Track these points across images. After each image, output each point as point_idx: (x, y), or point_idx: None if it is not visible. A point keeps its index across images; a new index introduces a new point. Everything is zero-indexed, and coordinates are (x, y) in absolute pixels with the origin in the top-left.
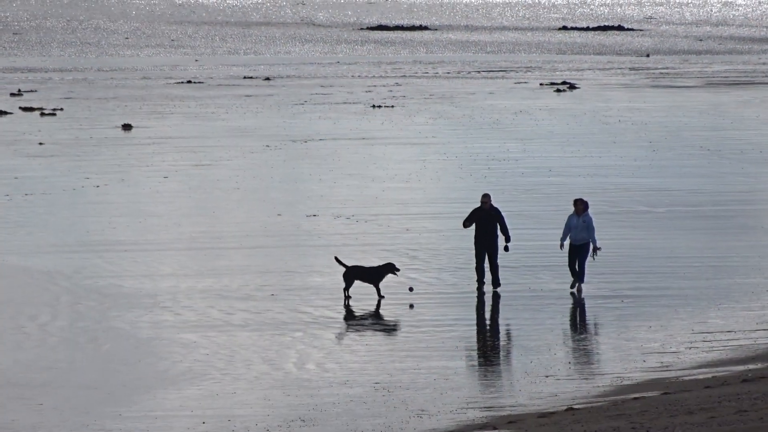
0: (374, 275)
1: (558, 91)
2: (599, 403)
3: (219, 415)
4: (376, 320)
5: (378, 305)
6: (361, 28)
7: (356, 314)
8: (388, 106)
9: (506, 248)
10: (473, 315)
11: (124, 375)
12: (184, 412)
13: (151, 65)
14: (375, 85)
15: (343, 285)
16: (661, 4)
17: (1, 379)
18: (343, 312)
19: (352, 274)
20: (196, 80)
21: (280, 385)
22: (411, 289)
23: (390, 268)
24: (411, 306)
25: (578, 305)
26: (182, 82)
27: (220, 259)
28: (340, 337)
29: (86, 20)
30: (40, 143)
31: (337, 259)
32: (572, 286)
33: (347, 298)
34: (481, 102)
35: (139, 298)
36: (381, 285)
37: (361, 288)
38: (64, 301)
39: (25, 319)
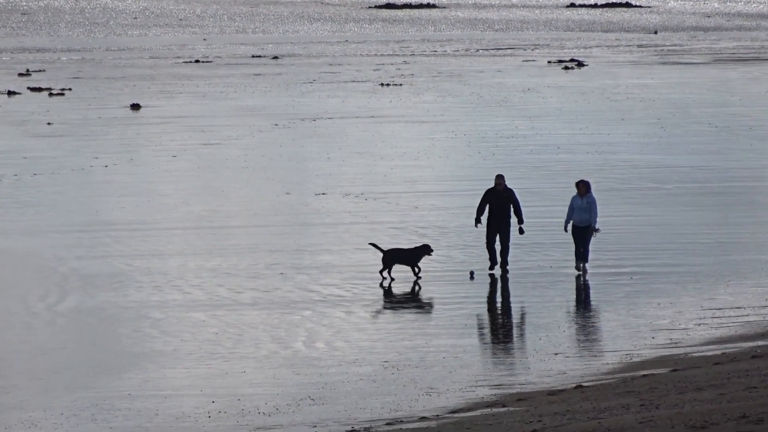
0: (412, 257)
1: (566, 68)
2: (608, 381)
3: (228, 394)
4: (386, 299)
5: (415, 284)
6: (370, 7)
7: (365, 293)
8: (396, 85)
9: (521, 230)
10: (482, 293)
11: (133, 354)
12: (194, 391)
13: (159, 45)
14: (383, 64)
15: (381, 267)
16: None
17: (11, 360)
18: (352, 291)
19: (392, 256)
20: (205, 60)
21: (289, 364)
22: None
23: (426, 250)
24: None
25: (587, 283)
26: (190, 62)
27: (228, 238)
28: (349, 314)
29: (94, 0)
30: (49, 123)
31: (372, 244)
32: (577, 268)
33: (389, 279)
34: (489, 80)
35: (148, 277)
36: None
37: (367, 266)
38: (72, 280)
39: (35, 299)
